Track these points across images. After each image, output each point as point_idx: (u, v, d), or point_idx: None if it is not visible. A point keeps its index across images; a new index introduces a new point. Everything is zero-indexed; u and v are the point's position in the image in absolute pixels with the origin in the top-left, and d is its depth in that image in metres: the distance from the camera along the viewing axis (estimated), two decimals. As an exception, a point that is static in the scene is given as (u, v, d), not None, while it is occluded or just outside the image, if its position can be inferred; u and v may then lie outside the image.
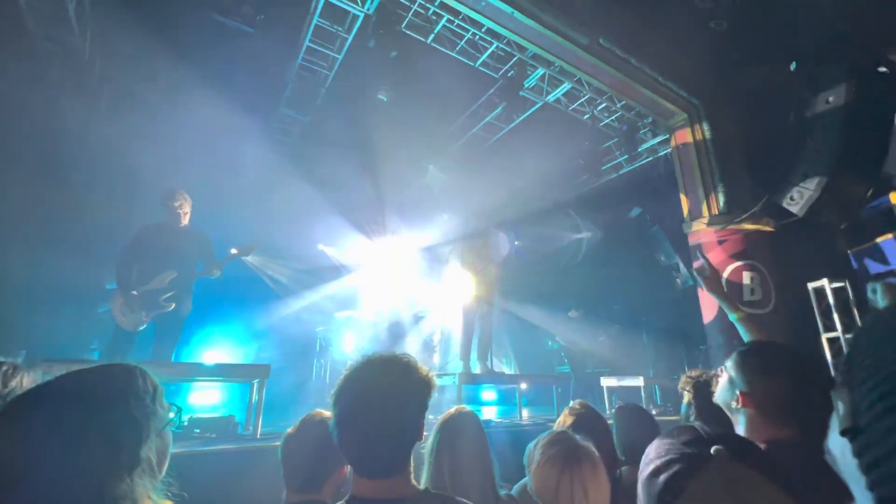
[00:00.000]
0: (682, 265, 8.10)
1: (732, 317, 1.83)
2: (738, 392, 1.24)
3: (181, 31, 5.38)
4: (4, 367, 1.04)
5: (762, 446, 1.10)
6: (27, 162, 5.19)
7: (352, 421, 0.99)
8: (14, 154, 5.06)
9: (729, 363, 1.33)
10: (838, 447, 0.49)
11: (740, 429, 1.24)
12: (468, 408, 1.87)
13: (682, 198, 6.47)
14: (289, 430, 1.62)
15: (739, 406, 1.23)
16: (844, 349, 4.78)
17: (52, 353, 4.65)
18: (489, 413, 5.66)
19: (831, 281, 5.49)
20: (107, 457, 0.64)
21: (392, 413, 0.98)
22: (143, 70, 5.98)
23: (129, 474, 0.66)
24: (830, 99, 4.63)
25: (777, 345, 1.34)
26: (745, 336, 1.75)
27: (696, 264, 2.15)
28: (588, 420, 1.85)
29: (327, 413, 1.59)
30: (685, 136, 6.48)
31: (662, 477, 0.64)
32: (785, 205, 5.21)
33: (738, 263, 5.68)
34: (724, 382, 1.32)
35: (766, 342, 1.40)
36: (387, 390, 1.00)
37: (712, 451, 0.64)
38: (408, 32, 5.60)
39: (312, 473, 1.51)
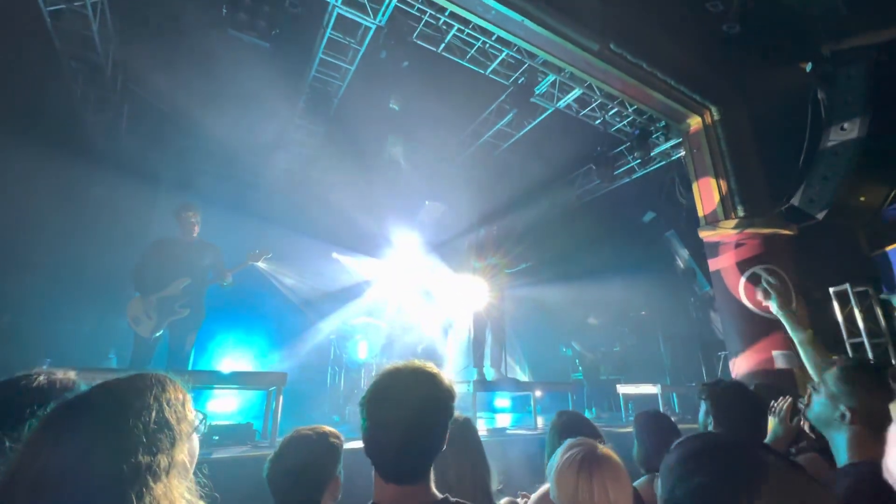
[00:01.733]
0: (698, 270, 7.98)
1: (799, 336, 1.74)
2: (843, 408, 1.21)
3: (198, 47, 5.54)
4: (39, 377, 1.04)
5: (871, 464, 1.08)
6: (52, 174, 5.37)
7: (381, 427, 1.02)
8: (40, 167, 5.25)
9: (830, 377, 1.29)
10: None
11: (840, 446, 1.21)
12: (462, 415, 1.85)
13: (697, 201, 6.40)
14: (271, 455, 1.56)
15: (846, 423, 1.20)
16: (870, 355, 4.62)
17: (73, 361, 4.78)
18: (503, 420, 5.63)
19: (854, 285, 5.35)
20: (147, 461, 0.68)
21: (420, 420, 1.01)
22: (162, 85, 6.16)
23: (166, 476, 0.71)
24: (849, 99, 4.55)
25: (877, 362, 1.32)
26: (807, 359, 1.68)
27: (763, 285, 1.98)
28: (569, 424, 1.85)
29: (306, 429, 1.60)
30: (699, 139, 6.42)
31: (722, 489, 0.64)
32: (803, 207, 5.11)
33: (756, 267, 5.58)
34: (823, 398, 1.28)
35: (867, 359, 1.37)
36: (417, 397, 1.03)
37: (767, 458, 0.63)
38: (419, 42, 5.68)
39: (306, 495, 1.46)
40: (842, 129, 4.58)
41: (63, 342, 5.26)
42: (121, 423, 0.69)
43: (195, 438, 0.85)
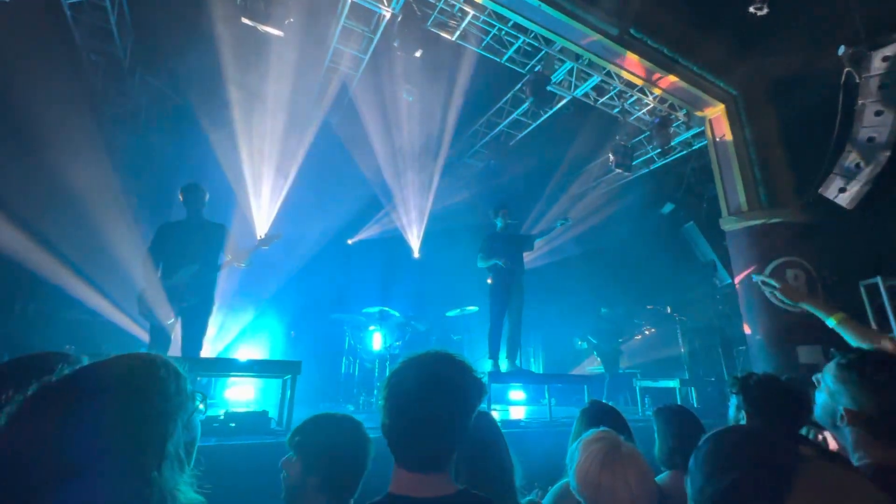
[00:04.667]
0: (718, 262, 7.78)
1: (830, 322, 1.63)
2: (842, 409, 1.11)
3: (213, 37, 5.55)
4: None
5: (873, 467, 1.02)
6: (73, 166, 5.48)
7: (400, 406, 0.99)
8: (61, 159, 5.35)
9: (829, 375, 1.19)
10: None
11: (847, 447, 1.12)
12: (483, 408, 1.81)
13: (720, 192, 6.21)
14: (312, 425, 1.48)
15: (845, 423, 1.10)
16: None
17: (98, 349, 4.89)
18: (518, 413, 5.59)
19: (886, 278, 5.13)
20: (133, 453, 0.63)
21: (439, 405, 0.98)
22: (179, 75, 6.22)
23: (157, 468, 0.65)
24: (885, 82, 4.32)
25: (886, 355, 1.19)
26: (852, 340, 1.56)
27: (765, 278, 1.88)
28: (600, 414, 1.80)
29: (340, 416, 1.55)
30: (722, 127, 6.22)
31: (756, 484, 0.61)
32: (832, 197, 4.91)
33: (781, 260, 5.40)
34: (825, 396, 1.19)
35: (872, 352, 1.23)
36: (438, 383, 1.00)
37: (803, 451, 0.60)
38: (433, 30, 5.60)
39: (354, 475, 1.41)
40: (876, 114, 4.36)
41: (87, 331, 5.39)
42: (106, 405, 0.64)
43: (194, 423, 0.78)
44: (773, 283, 1.80)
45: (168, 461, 0.67)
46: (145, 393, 0.69)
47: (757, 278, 1.89)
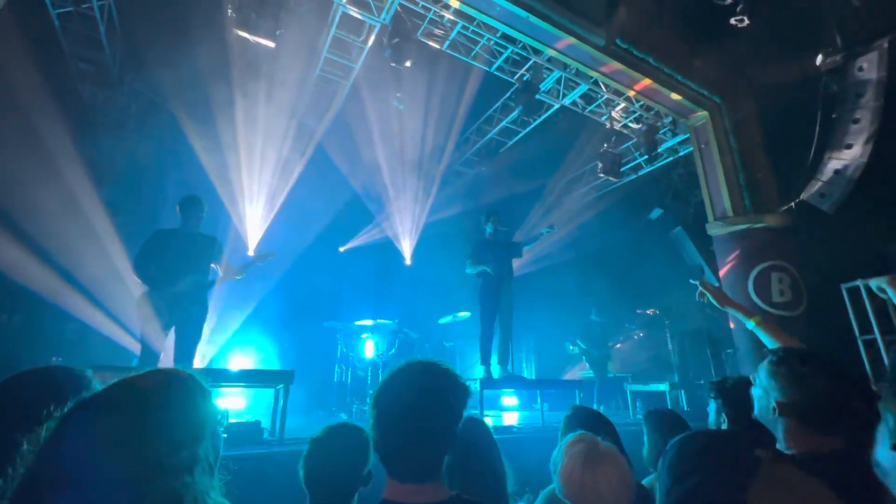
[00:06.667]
0: (706, 266, 7.91)
1: (749, 324, 1.74)
2: (774, 401, 1.20)
3: (204, 46, 5.57)
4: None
5: (803, 456, 1.09)
6: (61, 175, 5.43)
7: (390, 422, 1.01)
8: (49, 167, 5.31)
9: (761, 371, 1.28)
10: (888, 460, 0.48)
11: (779, 439, 1.20)
12: (476, 415, 1.84)
13: (705, 197, 6.34)
14: (310, 446, 1.51)
15: (777, 416, 1.19)
16: (883, 352, 4.49)
17: (86, 359, 4.82)
18: (510, 419, 5.61)
19: (866, 280, 5.26)
20: (169, 457, 0.67)
21: (429, 417, 1.00)
22: (168, 85, 6.20)
23: (189, 472, 0.69)
24: (861, 90, 4.47)
25: (810, 351, 1.28)
26: (767, 341, 1.66)
27: (702, 285, 2.00)
28: (584, 419, 1.84)
29: (343, 424, 1.58)
30: (706, 134, 6.35)
31: (716, 486, 0.65)
32: (814, 202, 5.05)
33: (766, 264, 5.51)
34: (759, 391, 1.27)
35: (798, 348, 1.33)
36: (426, 395, 1.02)
37: (758, 454, 0.64)
38: (423, 40, 5.67)
39: (348, 487, 1.45)
40: (854, 121, 4.51)
41: (75, 342, 5.32)
42: (141, 420, 0.69)
43: (218, 434, 0.83)
44: (708, 283, 1.92)
45: (200, 466, 0.72)
46: (180, 401, 0.74)
47: (696, 280, 1.99)
